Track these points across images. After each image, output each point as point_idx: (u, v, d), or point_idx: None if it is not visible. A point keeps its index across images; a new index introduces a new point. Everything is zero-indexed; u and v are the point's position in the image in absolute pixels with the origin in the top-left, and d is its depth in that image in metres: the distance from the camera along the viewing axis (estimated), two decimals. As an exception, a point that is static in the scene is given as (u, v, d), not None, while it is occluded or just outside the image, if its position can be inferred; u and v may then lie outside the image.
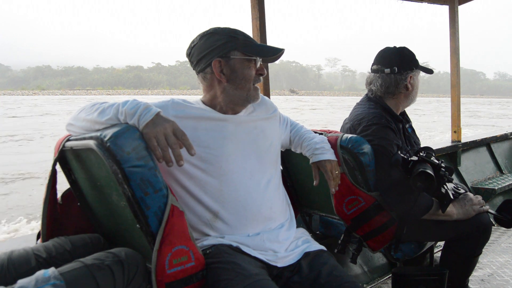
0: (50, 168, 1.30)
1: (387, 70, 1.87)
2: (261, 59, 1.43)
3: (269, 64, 1.86)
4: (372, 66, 1.95)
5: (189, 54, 1.46)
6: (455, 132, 3.83)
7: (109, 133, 1.10)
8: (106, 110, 1.18)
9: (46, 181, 1.30)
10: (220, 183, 1.37)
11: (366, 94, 1.99)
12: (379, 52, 1.95)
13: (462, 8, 3.75)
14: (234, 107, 1.44)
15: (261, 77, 1.44)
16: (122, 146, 1.08)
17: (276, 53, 1.40)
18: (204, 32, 1.43)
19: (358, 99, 2.06)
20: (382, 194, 1.70)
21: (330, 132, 1.81)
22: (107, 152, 1.08)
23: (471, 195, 1.82)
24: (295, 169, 1.98)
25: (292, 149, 1.76)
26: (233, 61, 1.38)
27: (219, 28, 1.41)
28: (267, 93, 2.51)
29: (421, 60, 1.97)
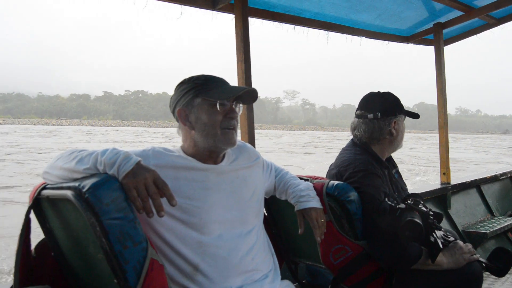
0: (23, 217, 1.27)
1: (370, 116, 1.90)
2: (232, 102, 1.43)
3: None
4: (356, 111, 1.99)
5: (170, 105, 1.51)
6: (444, 174, 3.85)
7: (87, 183, 1.10)
8: (84, 159, 1.18)
9: (19, 231, 1.27)
10: (200, 235, 1.36)
11: (352, 140, 2.01)
12: (363, 97, 1.99)
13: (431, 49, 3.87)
14: (210, 154, 1.45)
15: (233, 121, 1.43)
16: (101, 198, 1.08)
17: (237, 93, 1.40)
18: (178, 83, 1.48)
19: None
20: (370, 243, 1.69)
21: (316, 179, 1.81)
22: (85, 204, 1.07)
23: (461, 243, 1.81)
24: (280, 216, 1.97)
25: (277, 196, 1.76)
26: (196, 108, 1.41)
27: (192, 76, 1.46)
28: (251, 136, 2.51)
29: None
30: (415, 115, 1.99)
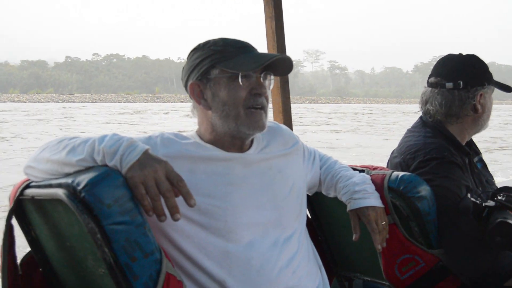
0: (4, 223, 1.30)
1: (449, 85, 1.88)
2: (260, 74, 1.43)
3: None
4: (429, 78, 1.97)
5: (181, 78, 1.53)
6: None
7: (83, 179, 1.11)
8: (77, 148, 1.19)
9: (1, 242, 1.30)
10: (225, 242, 1.38)
11: (421, 118, 2.00)
12: (440, 60, 1.97)
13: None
14: (233, 141, 1.46)
15: (261, 98, 1.44)
16: (101, 197, 1.09)
17: (265, 61, 1.40)
18: (191, 49, 1.49)
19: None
20: (448, 252, 1.68)
21: (374, 169, 1.81)
22: (82, 205, 1.09)
23: None
24: (328, 219, 1.97)
25: (323, 192, 1.76)
26: (213, 82, 1.43)
27: (209, 41, 1.47)
28: (287, 116, 2.52)
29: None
30: (507, 88, 1.97)
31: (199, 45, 1.47)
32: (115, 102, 64.78)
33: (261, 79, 1.44)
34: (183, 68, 1.52)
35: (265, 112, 1.46)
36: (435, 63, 1.98)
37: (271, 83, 1.48)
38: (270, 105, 1.56)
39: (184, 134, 1.50)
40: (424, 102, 1.96)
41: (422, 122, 1.97)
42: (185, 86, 1.50)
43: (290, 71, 1.52)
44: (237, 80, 1.40)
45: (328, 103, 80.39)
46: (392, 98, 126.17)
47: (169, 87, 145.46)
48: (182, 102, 66.67)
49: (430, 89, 1.94)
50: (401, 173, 1.72)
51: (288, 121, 2.51)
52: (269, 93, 1.49)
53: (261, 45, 1.91)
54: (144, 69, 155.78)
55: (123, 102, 65.17)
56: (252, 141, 1.53)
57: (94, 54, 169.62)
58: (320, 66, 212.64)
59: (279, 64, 1.46)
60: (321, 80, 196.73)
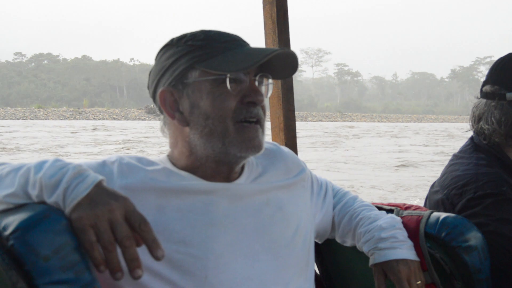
0: None
1: (511, 96, 1.91)
2: (253, 76, 1.44)
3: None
4: (483, 85, 2.00)
5: (148, 85, 1.54)
6: None
7: (12, 222, 1.11)
8: (5, 178, 1.19)
9: None
10: None
11: (471, 139, 2.02)
12: (498, 62, 2.00)
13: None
14: (218, 168, 1.47)
15: (257, 108, 1.44)
16: (35, 246, 1.09)
17: (261, 58, 1.37)
18: (160, 47, 1.50)
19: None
20: None
21: (407, 208, 1.82)
22: (9, 257, 1.08)
23: None
24: (343, 276, 1.98)
25: (338, 240, 1.77)
26: (191, 88, 1.43)
27: (185, 34, 1.47)
28: (290, 134, 2.48)
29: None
30: None
31: (172, 40, 1.47)
32: (18, 119, 63.81)
33: (256, 83, 1.45)
34: (150, 72, 1.52)
35: (262, 127, 1.46)
36: (481, 65, 2.01)
37: (268, 88, 1.49)
38: (268, 122, 1.56)
39: (151, 159, 1.50)
40: (477, 119, 1.99)
41: (474, 145, 1.99)
42: (153, 96, 1.50)
43: (294, 71, 1.52)
44: (224, 85, 1.40)
45: (322, 120, 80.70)
46: (420, 114, 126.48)
47: (117, 98, 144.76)
48: (114, 119, 66.83)
49: (484, 101, 1.97)
50: (443, 215, 1.72)
51: (291, 142, 2.48)
52: (266, 103, 1.49)
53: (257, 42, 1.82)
54: (85, 74, 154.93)
55: (30, 118, 64.27)
56: (242, 168, 1.53)
57: (16, 54, 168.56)
58: (324, 71, 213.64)
59: (278, 63, 1.46)
60: (325, 89, 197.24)
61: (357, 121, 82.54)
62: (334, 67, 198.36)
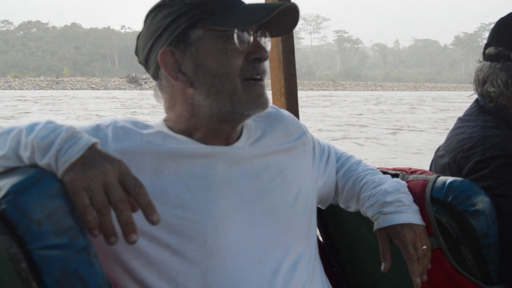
0: None
1: None
2: (255, 33, 1.44)
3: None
4: (485, 48, 1.99)
5: (137, 50, 1.52)
6: None
7: (3, 186, 1.11)
8: None
9: None
10: (205, 272, 1.38)
11: (477, 101, 2.03)
12: (500, 22, 1.99)
13: None
14: (219, 128, 1.46)
15: (262, 64, 1.45)
16: (28, 211, 1.09)
17: (269, 12, 1.37)
18: (150, 9, 1.48)
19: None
20: None
21: (413, 172, 1.82)
22: (1, 222, 1.09)
23: None
24: (346, 242, 1.99)
25: (341, 205, 1.78)
26: (195, 47, 1.42)
27: None
28: (290, 97, 2.48)
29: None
30: None
31: (164, 0, 1.44)
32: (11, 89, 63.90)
33: (259, 39, 1.45)
34: (140, 35, 1.51)
35: (265, 85, 1.46)
36: (486, 31, 2.00)
37: (267, 45, 1.48)
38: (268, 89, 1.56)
39: (146, 122, 1.49)
40: (481, 82, 1.99)
41: (479, 108, 1.99)
42: (146, 59, 1.49)
43: (294, 26, 1.53)
44: (230, 42, 1.40)
45: (312, 89, 79.97)
46: (421, 82, 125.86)
47: (108, 67, 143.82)
48: (93, 88, 66.70)
49: (488, 63, 1.97)
50: (449, 179, 1.73)
51: (293, 107, 2.48)
52: (266, 63, 1.49)
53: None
54: (74, 42, 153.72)
55: (3, 89, 64.13)
56: (241, 131, 1.53)
57: (3, 22, 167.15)
58: (323, 38, 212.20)
59: (278, 20, 1.45)
60: (326, 57, 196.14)
61: (350, 90, 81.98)
62: (334, 34, 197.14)
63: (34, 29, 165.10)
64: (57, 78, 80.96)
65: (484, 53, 1.99)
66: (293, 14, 1.47)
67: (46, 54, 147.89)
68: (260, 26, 1.45)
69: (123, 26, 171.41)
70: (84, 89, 67.32)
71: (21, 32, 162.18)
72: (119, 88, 68.24)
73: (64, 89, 65.82)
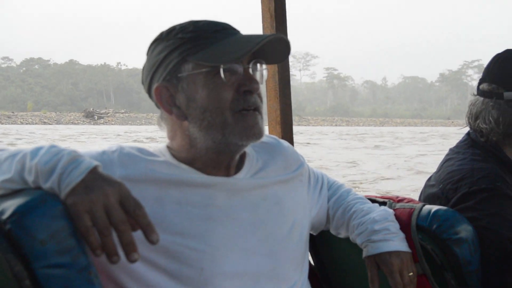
0: None
1: (508, 95, 1.91)
2: (246, 64, 1.44)
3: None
4: (480, 83, 2.00)
5: (142, 81, 1.54)
6: None
7: (9, 207, 1.13)
8: (2, 164, 1.21)
9: None
10: None
11: (468, 134, 2.03)
12: (495, 58, 2.00)
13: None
14: (219, 159, 1.48)
15: (254, 96, 1.43)
16: (32, 231, 1.11)
17: (255, 44, 1.36)
18: (151, 42, 1.50)
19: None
20: None
21: (400, 201, 1.84)
22: (6, 241, 1.11)
23: None
24: (337, 267, 1.99)
25: (332, 231, 1.79)
26: (186, 82, 1.43)
27: (174, 27, 1.46)
28: (287, 131, 2.50)
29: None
30: None
31: (162, 34, 1.47)
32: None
33: (250, 71, 1.44)
34: (143, 68, 1.52)
35: (260, 114, 1.45)
36: (469, 70, 2.01)
37: (263, 74, 1.48)
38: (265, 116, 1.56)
39: (151, 150, 1.50)
40: (474, 117, 1.99)
41: (470, 141, 2.00)
42: (149, 92, 1.50)
43: (287, 56, 1.52)
44: (218, 76, 1.40)
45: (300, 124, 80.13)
46: (406, 118, 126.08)
47: (104, 102, 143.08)
48: (45, 123, 65.53)
49: (481, 99, 1.97)
50: (434, 207, 1.74)
51: (288, 136, 2.50)
52: (263, 89, 1.48)
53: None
54: (72, 78, 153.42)
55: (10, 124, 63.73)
56: (243, 162, 1.54)
57: (4, 58, 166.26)
58: (312, 75, 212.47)
59: (271, 49, 1.45)
60: (318, 94, 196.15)
61: (335, 126, 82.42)
62: (324, 71, 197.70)
63: (36, 66, 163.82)
64: (13, 112, 79.80)
65: (478, 87, 2.01)
66: (283, 42, 1.46)
67: (44, 90, 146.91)
68: (253, 56, 1.45)
69: (118, 63, 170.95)
70: (36, 123, 65.88)
71: (23, 68, 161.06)
72: (73, 123, 67.35)
73: (14, 124, 64.25)
